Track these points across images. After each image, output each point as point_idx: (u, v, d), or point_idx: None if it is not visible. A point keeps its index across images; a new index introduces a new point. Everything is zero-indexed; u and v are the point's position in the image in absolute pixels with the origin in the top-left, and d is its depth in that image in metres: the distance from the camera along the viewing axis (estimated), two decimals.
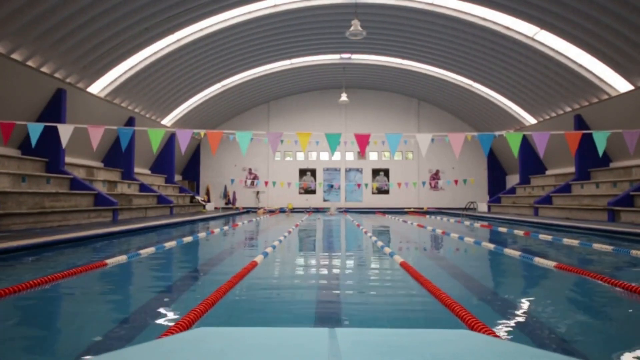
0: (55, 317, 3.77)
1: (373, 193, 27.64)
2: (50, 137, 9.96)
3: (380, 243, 8.79)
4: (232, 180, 24.83)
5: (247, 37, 17.42)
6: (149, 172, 21.59)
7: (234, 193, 27.00)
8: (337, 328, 1.69)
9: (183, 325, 3.04)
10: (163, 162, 22.40)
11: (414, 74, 22.81)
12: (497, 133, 9.83)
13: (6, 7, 9.90)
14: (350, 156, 27.92)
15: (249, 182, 27.19)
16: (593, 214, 14.76)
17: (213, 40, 16.82)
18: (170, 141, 21.88)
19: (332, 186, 27.58)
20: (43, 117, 12.93)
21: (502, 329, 3.19)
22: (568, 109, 18.04)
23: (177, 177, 25.80)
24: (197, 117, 23.76)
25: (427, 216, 21.09)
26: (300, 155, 27.82)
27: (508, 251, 7.41)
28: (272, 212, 24.06)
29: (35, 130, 8.36)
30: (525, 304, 4.04)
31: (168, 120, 21.85)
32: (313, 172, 27.83)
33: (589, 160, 17.07)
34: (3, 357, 2.75)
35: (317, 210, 25.81)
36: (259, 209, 25.56)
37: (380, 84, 26.30)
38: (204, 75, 19.51)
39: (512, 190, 22.66)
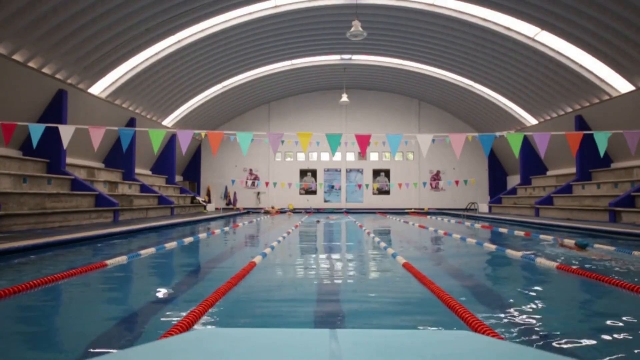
0: (56, 318, 3.77)
1: (374, 194, 27.64)
2: (51, 138, 9.98)
3: (383, 244, 8.79)
4: (233, 181, 24.85)
5: (248, 38, 17.44)
6: (149, 172, 21.61)
7: (235, 194, 27.01)
8: (338, 329, 1.68)
9: (183, 326, 3.04)
10: (164, 163, 22.42)
11: (414, 75, 22.82)
12: (497, 134, 9.82)
13: (7, 9, 9.92)
14: (350, 157, 27.93)
15: (249, 182, 27.20)
16: (594, 214, 14.74)
17: (214, 41, 16.84)
18: (171, 142, 21.91)
19: (332, 187, 27.59)
20: (44, 118, 12.95)
21: (503, 330, 3.18)
22: (569, 110, 18.03)
23: (178, 178, 25.83)
24: (197, 118, 23.78)
25: (428, 217, 21.09)
26: (300, 156, 27.82)
27: (509, 252, 7.40)
28: (268, 213, 24.03)
29: (36, 131, 8.37)
30: (526, 305, 4.03)
31: (169, 121, 21.87)
32: (314, 173, 27.83)
33: (590, 160, 17.07)
34: (4, 357, 2.75)
35: (318, 210, 25.81)
36: (265, 208, 25.72)
37: (380, 85, 26.31)
38: (204, 76, 19.54)
39: (513, 191, 22.65)
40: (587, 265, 6.03)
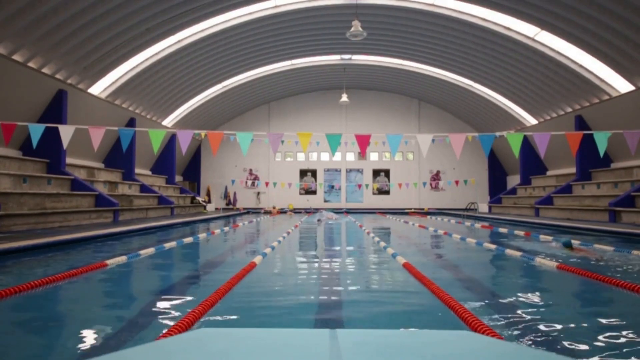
0: (56, 318, 3.77)
1: (374, 194, 27.64)
2: (51, 138, 9.98)
3: (382, 244, 8.79)
4: (233, 181, 24.85)
5: (248, 38, 17.44)
6: (149, 173, 21.61)
7: (235, 194, 27.01)
8: (338, 329, 1.69)
9: (183, 326, 3.04)
10: (164, 163, 22.42)
11: (414, 75, 22.82)
12: (497, 134, 9.82)
13: (7, 9, 9.92)
14: (350, 157, 27.92)
15: (249, 182, 27.21)
16: (594, 214, 14.74)
17: (214, 41, 16.84)
18: (171, 142, 21.91)
19: (332, 187, 27.59)
20: (44, 118, 12.95)
21: (504, 330, 3.18)
22: (569, 110, 18.03)
23: (178, 178, 25.82)
24: (197, 118, 23.78)
25: (428, 217, 21.09)
26: (300, 156, 27.82)
27: (509, 252, 7.40)
28: (269, 213, 24.12)
29: (36, 131, 8.37)
30: (527, 305, 4.03)
31: (169, 121, 21.87)
32: (314, 173, 27.83)
33: (589, 160, 17.07)
34: (4, 357, 2.75)
35: (318, 211, 25.80)
36: (265, 208, 25.80)
37: (380, 85, 26.31)
38: (204, 76, 19.54)
39: (513, 191, 22.65)
40: (572, 260, 6.05)
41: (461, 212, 21.50)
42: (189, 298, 4.32)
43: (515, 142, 8.72)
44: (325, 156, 27.60)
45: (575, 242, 8.21)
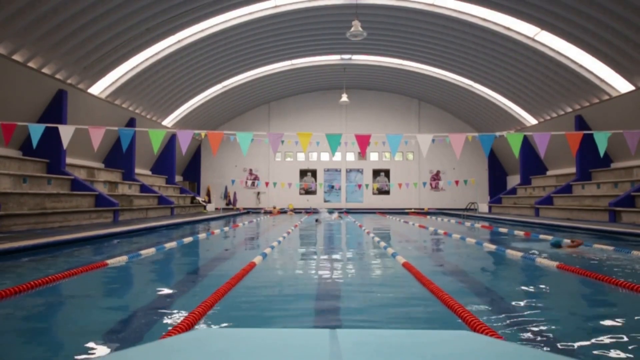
0: (56, 318, 3.77)
1: (374, 194, 27.64)
2: (51, 138, 9.98)
3: (382, 244, 8.79)
4: (233, 181, 24.85)
5: (248, 38, 17.44)
6: (149, 173, 21.61)
7: (235, 194, 27.02)
8: (338, 329, 1.69)
9: (183, 326, 3.04)
10: (164, 163, 22.42)
11: (414, 75, 22.82)
12: (497, 134, 9.82)
13: (7, 9, 9.92)
14: (350, 157, 27.93)
15: (249, 182, 27.21)
16: (594, 214, 14.74)
17: (214, 41, 16.84)
18: (171, 142, 21.91)
19: (332, 187, 27.59)
20: (44, 118, 12.95)
21: (504, 330, 3.18)
22: (569, 110, 18.03)
23: (178, 178, 25.83)
24: (197, 118, 23.78)
25: (428, 217, 21.09)
26: (300, 156, 27.83)
27: (510, 252, 7.40)
28: (269, 212, 24.16)
29: (36, 131, 8.37)
30: (527, 305, 4.03)
31: (169, 121, 21.87)
32: (314, 173, 27.83)
33: (589, 160, 17.07)
34: (5, 357, 2.75)
35: (318, 210, 25.80)
36: (266, 208, 25.84)
37: (380, 85, 26.31)
38: (204, 76, 19.54)
39: (513, 191, 22.65)
40: (571, 259, 6.04)
41: (461, 212, 21.50)
42: (189, 298, 4.32)
43: (515, 142, 8.72)
44: (325, 156, 27.60)
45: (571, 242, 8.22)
